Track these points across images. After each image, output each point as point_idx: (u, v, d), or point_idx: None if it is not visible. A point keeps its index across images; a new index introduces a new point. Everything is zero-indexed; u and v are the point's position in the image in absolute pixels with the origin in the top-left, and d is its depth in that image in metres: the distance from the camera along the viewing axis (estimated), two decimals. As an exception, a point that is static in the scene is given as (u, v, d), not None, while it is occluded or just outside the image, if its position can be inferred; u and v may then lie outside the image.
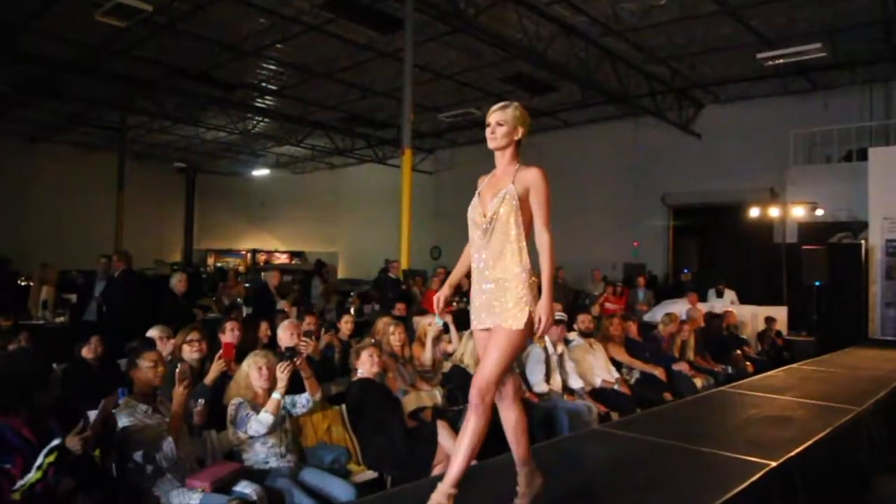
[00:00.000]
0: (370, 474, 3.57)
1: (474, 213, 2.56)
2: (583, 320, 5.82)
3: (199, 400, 3.37)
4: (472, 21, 8.87)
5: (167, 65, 11.39)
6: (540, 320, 2.36)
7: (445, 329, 5.35)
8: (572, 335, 5.72)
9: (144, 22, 9.15)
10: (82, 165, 17.46)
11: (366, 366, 3.97)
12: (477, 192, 2.61)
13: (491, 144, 2.57)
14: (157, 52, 10.68)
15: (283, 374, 3.28)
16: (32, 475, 2.40)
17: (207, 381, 3.67)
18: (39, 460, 2.41)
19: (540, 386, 4.93)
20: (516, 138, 2.57)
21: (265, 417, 3.18)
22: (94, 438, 2.56)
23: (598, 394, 5.24)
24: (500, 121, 2.54)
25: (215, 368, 3.71)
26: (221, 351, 3.82)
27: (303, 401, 3.46)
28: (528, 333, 2.40)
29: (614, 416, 4.88)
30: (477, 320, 2.47)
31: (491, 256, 2.48)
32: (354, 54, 10.81)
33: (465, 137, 16.31)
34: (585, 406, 4.81)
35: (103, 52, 10.63)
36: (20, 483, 2.40)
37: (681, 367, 6.15)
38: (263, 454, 3.24)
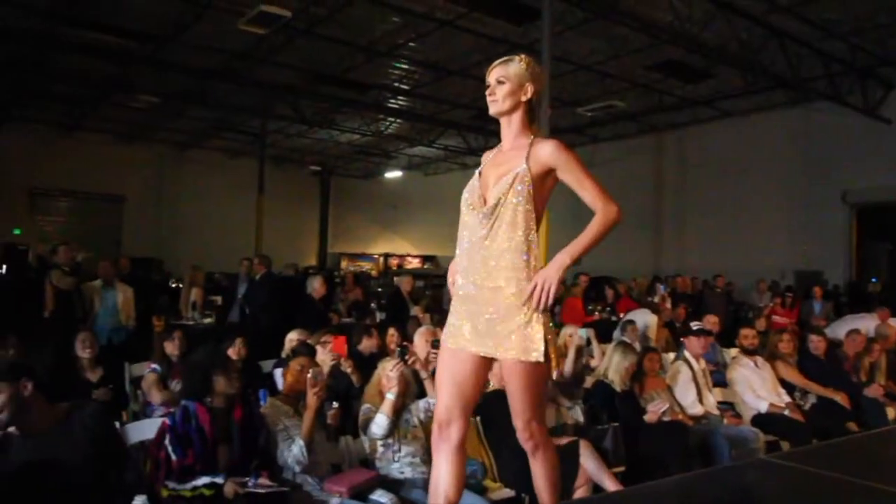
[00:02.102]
0: (507, 492, 3.58)
1: (472, 197, 2.16)
2: (745, 335, 5.46)
3: (333, 403, 3.57)
4: (615, 5, 8.65)
5: (304, 69, 12.17)
6: (535, 287, 2.02)
7: (588, 342, 5.26)
8: (733, 352, 5.41)
9: (283, 28, 9.88)
10: (225, 171, 19.16)
11: (497, 378, 4.00)
12: (477, 172, 2.22)
13: (492, 109, 2.18)
14: (295, 57, 11.44)
15: (393, 373, 3.37)
16: (184, 488, 2.67)
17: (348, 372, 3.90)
18: (198, 482, 2.67)
19: (694, 408, 4.71)
20: (524, 99, 2.15)
21: (380, 418, 3.30)
22: None
23: (765, 420, 4.90)
24: (502, 77, 2.13)
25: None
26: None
27: (423, 405, 3.53)
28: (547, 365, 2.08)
29: (784, 445, 4.54)
30: (470, 340, 2.11)
31: (492, 256, 2.10)
32: (488, 48, 10.92)
33: (608, 133, 15.92)
34: (752, 432, 4.52)
35: (245, 59, 11.58)
36: (172, 485, 2.68)
37: (874, 392, 5.56)
38: (398, 464, 3.36)
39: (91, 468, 2.46)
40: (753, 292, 11.05)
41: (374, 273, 19.80)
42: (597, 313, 8.45)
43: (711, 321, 6.35)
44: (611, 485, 3.43)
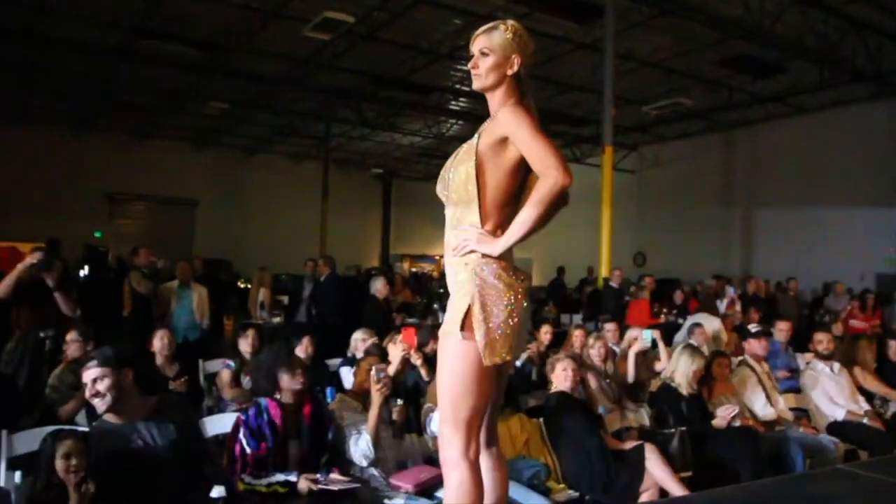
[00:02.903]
0: (571, 494, 3.58)
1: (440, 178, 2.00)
2: (820, 340, 5.27)
3: (398, 400, 3.64)
4: (683, 1, 8.48)
5: (367, 73, 12.39)
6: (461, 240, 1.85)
7: (653, 345, 5.18)
8: (808, 356, 5.23)
9: (347, 34, 10.10)
10: (291, 174, 19.69)
11: (559, 379, 3.99)
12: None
13: (475, 84, 2.00)
14: (358, 61, 11.67)
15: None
16: (260, 483, 2.78)
17: (391, 370, 3.96)
18: (274, 479, 2.79)
19: (765, 411, 4.58)
20: (510, 73, 1.95)
21: (436, 416, 3.36)
22: None
23: (841, 428, 4.72)
24: (485, 48, 1.96)
25: (396, 356, 3.98)
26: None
27: None
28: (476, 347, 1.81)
29: (863, 455, 4.37)
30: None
31: (450, 241, 1.97)
32: (550, 48, 10.87)
33: (674, 131, 15.58)
34: (831, 441, 4.36)
35: (309, 65, 11.88)
36: (248, 479, 2.80)
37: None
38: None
39: (178, 458, 2.62)
40: (830, 296, 10.61)
41: (434, 274, 19.95)
42: (663, 316, 8.30)
43: (784, 326, 6.15)
44: (677, 490, 3.38)
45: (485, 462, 1.99)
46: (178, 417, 2.72)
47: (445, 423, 1.88)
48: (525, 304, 1.91)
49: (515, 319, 1.85)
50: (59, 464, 2.41)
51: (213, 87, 13.29)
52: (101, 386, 2.59)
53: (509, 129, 1.86)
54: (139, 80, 12.73)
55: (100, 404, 2.61)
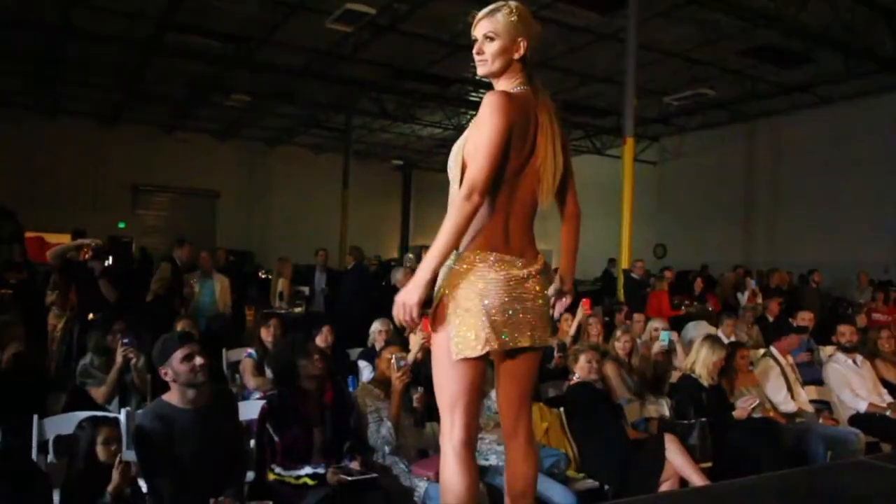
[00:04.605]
0: (591, 483, 3.60)
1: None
2: (843, 332, 5.23)
3: (419, 388, 3.68)
4: (707, -11, 8.40)
5: (387, 65, 12.41)
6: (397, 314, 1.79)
7: (671, 346, 5.16)
8: (830, 349, 5.19)
9: (368, 25, 10.12)
10: (312, 166, 19.80)
11: (584, 370, 4.01)
12: None
13: (480, 70, 1.93)
14: (379, 53, 11.69)
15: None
16: (289, 475, 2.84)
17: (410, 358, 3.99)
18: (303, 472, 2.84)
19: (787, 404, 4.56)
20: (516, 57, 1.88)
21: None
22: None
23: (864, 420, 4.69)
24: (490, 32, 1.86)
25: (416, 344, 4.00)
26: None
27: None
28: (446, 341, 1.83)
29: (885, 447, 4.33)
30: None
31: None
32: (571, 39, 10.80)
33: (696, 122, 15.41)
34: (853, 434, 4.33)
35: (331, 57, 11.92)
36: (278, 470, 2.85)
37: None
38: (483, 450, 3.44)
39: (225, 449, 2.72)
40: (854, 288, 10.48)
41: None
42: (683, 307, 8.25)
43: (806, 317, 6.10)
44: (698, 480, 3.39)
45: (508, 454, 2.02)
46: (230, 403, 2.79)
47: (439, 408, 1.91)
48: (516, 295, 1.85)
49: (499, 310, 1.81)
50: (101, 450, 2.51)
51: (236, 80, 13.40)
52: (200, 361, 2.66)
53: (480, 114, 1.82)
54: (163, 73, 12.86)
55: (197, 377, 2.66)
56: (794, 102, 13.28)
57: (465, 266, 1.82)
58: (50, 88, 14.36)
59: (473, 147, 1.79)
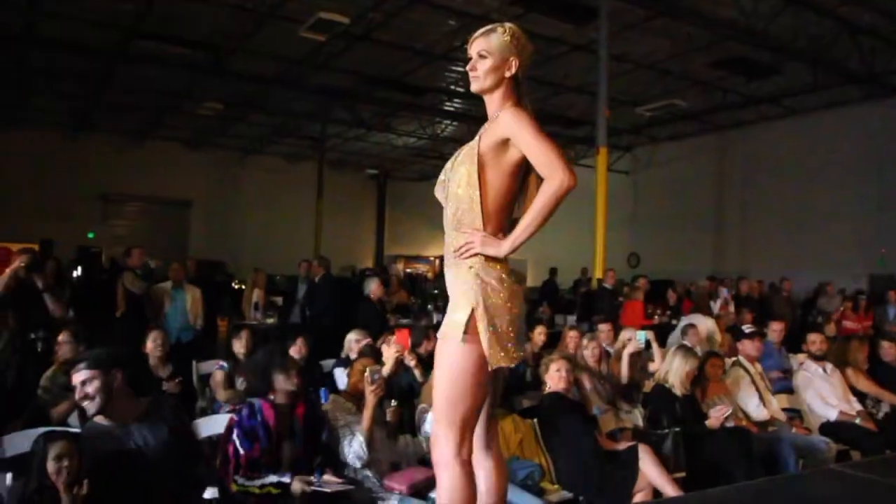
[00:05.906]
0: (565, 494, 3.58)
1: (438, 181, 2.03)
2: (813, 341, 5.29)
3: (392, 401, 3.64)
4: (678, 2, 8.51)
5: (362, 74, 12.38)
6: (466, 242, 1.85)
7: (647, 346, 5.19)
8: (801, 357, 5.25)
9: (342, 34, 10.08)
10: (285, 175, 19.63)
11: (553, 380, 4.00)
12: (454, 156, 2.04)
13: (473, 86, 2.02)
14: (353, 62, 11.65)
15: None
16: (253, 485, 2.78)
17: (384, 371, 3.95)
18: (267, 480, 2.78)
19: (759, 412, 4.59)
20: (508, 75, 1.97)
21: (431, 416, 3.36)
22: None
23: (834, 428, 4.74)
24: (483, 51, 1.97)
25: (390, 357, 3.97)
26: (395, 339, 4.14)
27: None
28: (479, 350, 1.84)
29: (855, 455, 4.38)
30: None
31: (450, 245, 1.95)
32: (544, 49, 10.87)
33: (668, 132, 15.62)
34: (823, 442, 4.38)
35: (304, 66, 11.86)
36: (241, 481, 2.79)
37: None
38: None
39: (171, 460, 2.61)
40: (822, 297, 10.66)
41: (430, 275, 19.92)
42: (656, 317, 8.32)
43: (777, 327, 6.18)
44: (671, 490, 3.39)
45: (484, 464, 2.02)
46: (171, 419, 2.71)
47: (439, 424, 1.90)
48: (523, 307, 1.96)
49: (518, 322, 1.90)
50: (51, 465, 2.40)
51: (208, 88, 13.25)
52: (90, 388, 2.58)
53: (511, 130, 1.88)
54: (133, 81, 12.67)
55: (89, 406, 2.60)
56: (764, 113, 13.52)
57: (492, 279, 1.87)
58: (17, 97, 14.08)
59: (527, 146, 1.84)
